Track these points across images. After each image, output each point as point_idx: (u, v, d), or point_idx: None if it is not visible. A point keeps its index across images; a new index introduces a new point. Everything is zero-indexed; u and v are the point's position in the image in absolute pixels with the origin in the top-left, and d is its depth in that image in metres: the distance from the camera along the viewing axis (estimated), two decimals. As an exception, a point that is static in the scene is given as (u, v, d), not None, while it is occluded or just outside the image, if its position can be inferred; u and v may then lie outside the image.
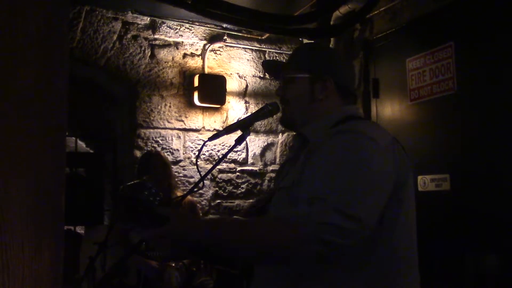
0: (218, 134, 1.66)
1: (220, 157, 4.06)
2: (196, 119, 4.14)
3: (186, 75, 4.15)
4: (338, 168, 1.27)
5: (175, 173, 3.90)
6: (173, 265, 2.96)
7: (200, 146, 4.02)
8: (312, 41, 3.98)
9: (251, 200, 4.27)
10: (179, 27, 4.15)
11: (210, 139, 1.67)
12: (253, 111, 1.70)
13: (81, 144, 5.56)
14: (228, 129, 1.65)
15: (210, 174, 4.10)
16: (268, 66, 1.77)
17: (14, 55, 0.75)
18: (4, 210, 0.74)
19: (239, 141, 1.64)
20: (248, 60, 4.40)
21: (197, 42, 4.21)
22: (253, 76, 4.41)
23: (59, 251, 0.81)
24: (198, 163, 3.92)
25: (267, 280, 1.41)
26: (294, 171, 1.43)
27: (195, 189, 1.54)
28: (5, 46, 0.73)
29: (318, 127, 1.49)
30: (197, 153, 4.07)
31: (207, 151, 4.11)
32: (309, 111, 1.53)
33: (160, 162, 3.25)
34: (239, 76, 4.36)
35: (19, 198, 0.76)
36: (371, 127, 1.43)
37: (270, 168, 4.39)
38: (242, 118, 4.05)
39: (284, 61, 1.72)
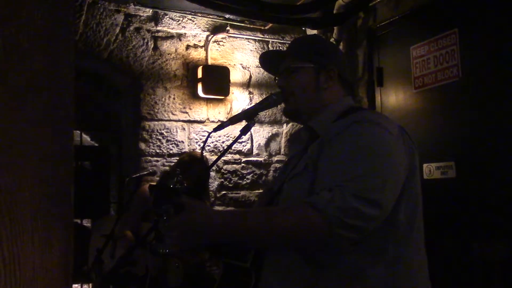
0: (223, 125, 1.66)
1: (225, 148, 4.06)
2: (200, 111, 4.14)
3: (190, 66, 4.14)
4: (355, 157, 1.31)
5: (180, 165, 3.91)
6: (176, 259, 2.97)
7: (205, 137, 4.02)
8: (312, 34, 3.98)
9: (256, 191, 4.28)
10: (181, 19, 4.14)
11: (215, 129, 1.67)
12: (258, 102, 1.70)
13: (86, 138, 5.58)
14: (233, 120, 1.65)
15: (215, 166, 4.11)
16: (265, 60, 1.75)
17: (21, 43, 0.75)
18: (14, 201, 0.75)
19: (244, 131, 1.64)
20: (251, 50, 4.39)
21: (200, 33, 4.20)
22: (257, 66, 4.40)
23: (69, 242, 0.82)
24: (203, 154, 3.92)
25: (283, 270, 1.41)
26: (305, 159, 1.44)
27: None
28: (11, 34, 0.73)
29: (324, 119, 1.51)
30: (202, 144, 4.07)
31: (212, 142, 4.11)
32: (315, 101, 1.55)
33: (201, 167, 3.17)
34: (242, 67, 4.35)
35: (28, 189, 0.77)
36: (381, 116, 1.48)
37: (275, 158, 4.39)
38: (246, 108, 4.05)
39: (282, 52, 1.71)
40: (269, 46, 4.46)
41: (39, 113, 0.78)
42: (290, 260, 1.40)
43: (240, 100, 4.29)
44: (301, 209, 1.26)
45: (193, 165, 3.15)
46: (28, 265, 0.74)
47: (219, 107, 4.20)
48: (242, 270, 1.52)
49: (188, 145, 4.06)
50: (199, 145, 4.07)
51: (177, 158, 3.89)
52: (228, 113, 4.20)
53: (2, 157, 0.73)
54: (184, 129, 4.07)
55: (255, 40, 4.41)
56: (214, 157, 4.05)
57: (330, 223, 1.21)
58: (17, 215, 0.73)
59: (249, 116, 1.64)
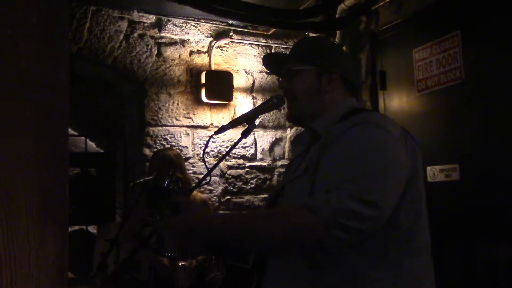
0: (224, 128, 1.67)
1: (227, 152, 4.07)
2: (204, 116, 4.15)
3: (193, 72, 4.16)
4: (354, 158, 1.29)
5: (185, 170, 3.92)
6: (184, 263, 2.98)
7: (207, 141, 4.03)
8: (316, 35, 3.98)
9: (261, 196, 4.28)
10: (185, 25, 4.16)
11: (216, 132, 1.68)
12: (258, 105, 1.71)
13: (91, 144, 5.61)
14: (234, 123, 1.66)
15: (219, 170, 4.12)
16: (269, 61, 1.75)
17: (17, 45, 0.77)
18: (9, 198, 0.76)
19: (245, 134, 1.65)
20: (254, 55, 4.41)
21: (203, 39, 4.22)
22: (260, 71, 4.42)
23: (64, 239, 0.83)
24: (206, 159, 3.93)
25: (285, 272, 1.41)
26: (306, 161, 1.44)
27: (203, 183, 1.55)
28: (7, 36, 0.75)
29: (326, 121, 1.49)
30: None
31: (216, 147, 4.12)
32: (317, 104, 1.53)
33: (160, 161, 3.23)
34: (246, 72, 4.37)
35: (24, 186, 0.78)
36: (382, 118, 1.45)
37: (279, 163, 4.39)
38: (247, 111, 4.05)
39: (285, 54, 1.71)
40: (272, 51, 4.47)
41: (34, 113, 0.79)
42: (292, 261, 1.39)
43: (243, 105, 4.30)
44: (297, 211, 1.24)
45: (155, 159, 3.22)
46: (24, 260, 0.75)
47: (222, 112, 4.21)
48: (244, 272, 1.51)
49: (192, 150, 4.07)
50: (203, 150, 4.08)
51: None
52: (232, 118, 4.21)
53: (-2, 156, 0.74)
54: (188, 134, 4.09)
55: (258, 45, 4.43)
56: (218, 162, 4.05)
57: (326, 224, 1.20)
58: (13, 212, 0.74)
59: (250, 119, 1.64)
